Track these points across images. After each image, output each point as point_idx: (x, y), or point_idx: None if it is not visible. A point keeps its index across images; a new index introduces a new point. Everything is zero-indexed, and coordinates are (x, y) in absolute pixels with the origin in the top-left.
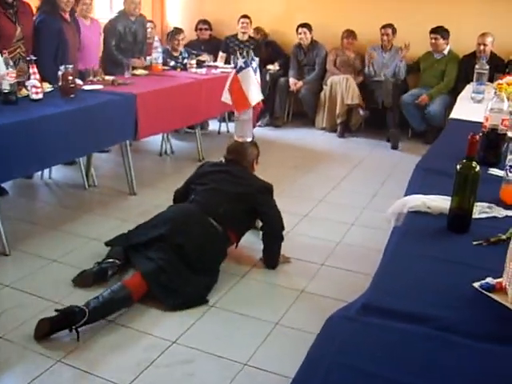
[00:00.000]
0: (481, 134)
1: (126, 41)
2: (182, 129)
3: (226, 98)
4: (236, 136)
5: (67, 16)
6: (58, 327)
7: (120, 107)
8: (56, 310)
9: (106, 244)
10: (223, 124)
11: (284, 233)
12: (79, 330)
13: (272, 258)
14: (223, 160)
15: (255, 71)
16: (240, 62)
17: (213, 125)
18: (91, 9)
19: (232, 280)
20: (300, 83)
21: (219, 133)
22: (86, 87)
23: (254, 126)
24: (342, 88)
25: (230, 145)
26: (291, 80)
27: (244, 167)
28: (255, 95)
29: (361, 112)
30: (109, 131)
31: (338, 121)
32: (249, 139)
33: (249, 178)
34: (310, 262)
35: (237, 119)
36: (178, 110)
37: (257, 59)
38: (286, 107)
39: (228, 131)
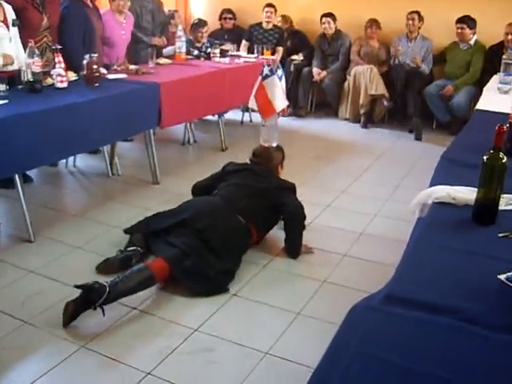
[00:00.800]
0: (508, 125)
1: (144, 19)
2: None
3: (253, 104)
4: (262, 141)
5: (89, 2)
6: (82, 308)
7: (144, 96)
8: (76, 286)
9: (126, 231)
10: (246, 114)
11: (306, 223)
12: (104, 307)
13: (294, 247)
14: (248, 162)
15: (280, 78)
16: (266, 69)
17: (235, 114)
18: (128, 5)
19: (254, 269)
20: (324, 73)
21: (242, 122)
22: (111, 76)
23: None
24: (366, 78)
25: (256, 149)
26: (315, 70)
27: (269, 169)
28: (280, 102)
29: (385, 103)
30: (133, 120)
31: (362, 111)
32: (274, 144)
33: (272, 177)
34: (332, 253)
35: (263, 125)
36: (201, 99)
37: (281, 68)
38: (310, 97)
39: (251, 121)
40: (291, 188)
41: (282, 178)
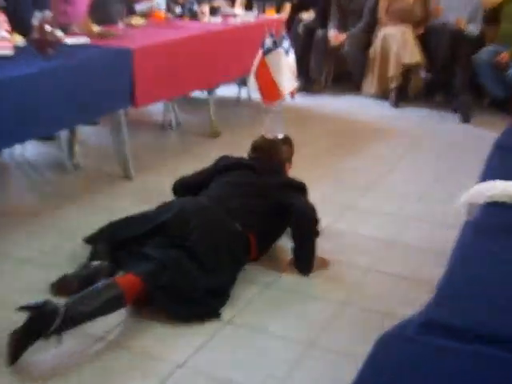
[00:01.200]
0: None
1: None
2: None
3: (252, 85)
4: (264, 131)
5: None
6: (31, 338)
7: (112, 66)
8: (20, 309)
9: (87, 241)
10: (244, 89)
11: (320, 229)
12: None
13: (305, 260)
14: (247, 158)
15: (287, 52)
16: (268, 41)
17: (230, 90)
18: None
19: (254, 289)
20: (343, 36)
21: (238, 100)
22: (69, 41)
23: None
24: (398, 43)
25: (256, 141)
26: (332, 32)
27: (273, 167)
28: (288, 82)
29: (422, 74)
30: (98, 98)
31: (392, 85)
32: (280, 135)
33: (276, 175)
34: (353, 266)
35: (266, 111)
36: (186, 70)
37: (288, 39)
38: (325, 68)
39: (250, 99)
40: (300, 187)
41: (290, 177)
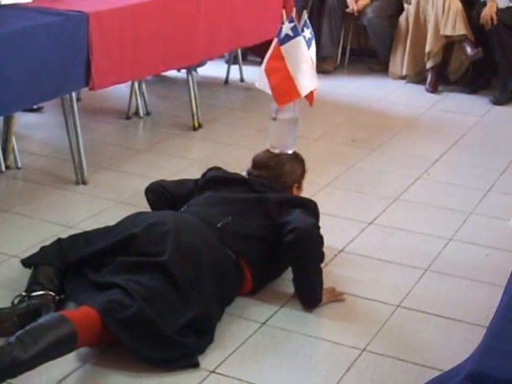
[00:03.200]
0: None
1: None
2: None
3: (262, 82)
4: (269, 144)
5: None
6: None
7: (61, 36)
8: None
9: (25, 263)
10: (234, 67)
11: (334, 252)
12: None
13: (308, 291)
14: (246, 175)
15: (309, 43)
16: (286, 27)
17: (216, 68)
18: None
19: (246, 329)
20: (364, 0)
21: (227, 82)
22: (4, 1)
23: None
24: (437, 9)
25: (259, 155)
26: None
27: (278, 188)
28: (308, 80)
29: (468, 50)
30: (41, 76)
31: (429, 64)
32: (290, 151)
33: (280, 190)
34: (376, 301)
35: (274, 117)
36: (159, 41)
37: (310, 26)
38: (341, 41)
39: (242, 79)
40: (308, 207)
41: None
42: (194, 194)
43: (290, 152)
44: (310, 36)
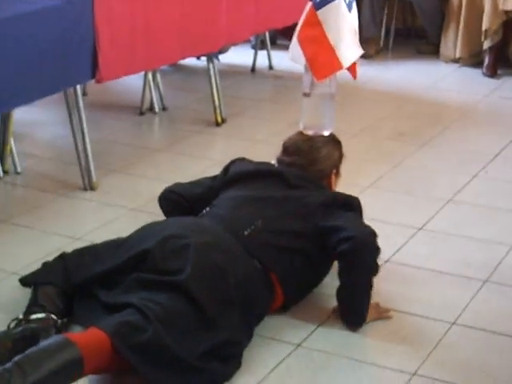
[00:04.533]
0: None
1: None
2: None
3: (295, 54)
4: (302, 125)
5: None
6: None
7: (63, 22)
8: None
9: (24, 282)
10: (262, 53)
11: (380, 262)
12: None
13: (355, 308)
14: (275, 164)
15: (350, 6)
16: None
17: (242, 55)
18: None
19: (279, 352)
20: None
21: (253, 70)
22: None
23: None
24: None
25: (291, 139)
26: None
27: (313, 177)
28: (351, 50)
29: None
30: (41, 69)
31: (487, 45)
32: (326, 132)
33: (318, 189)
34: (427, 318)
35: (307, 93)
36: (175, 27)
37: None
38: (384, 21)
39: (271, 67)
40: (353, 205)
41: (336, 191)
42: (213, 193)
43: (326, 134)
44: None
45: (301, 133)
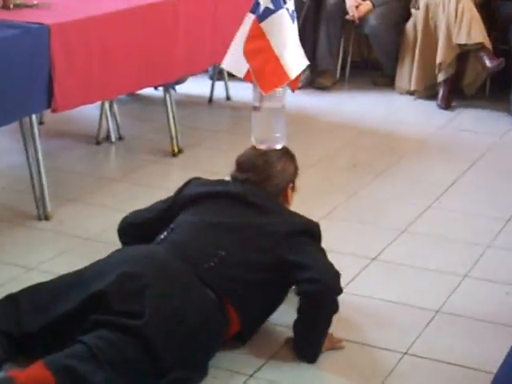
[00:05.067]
0: None
1: None
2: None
3: (233, 63)
4: (254, 139)
5: None
6: None
7: (18, 51)
8: None
9: None
10: (219, 84)
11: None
12: None
13: (312, 341)
14: (229, 180)
15: (293, 17)
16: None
17: (199, 85)
18: None
19: (232, 382)
20: (367, 5)
21: (211, 100)
22: None
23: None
24: (448, 14)
25: (244, 154)
26: None
27: (269, 194)
28: (296, 60)
29: (486, 61)
30: None
31: (441, 77)
32: (279, 146)
33: (277, 209)
34: (380, 349)
35: (257, 107)
36: (132, 56)
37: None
38: (341, 52)
39: (228, 98)
40: (313, 232)
41: (295, 212)
42: (168, 215)
43: (278, 147)
44: (293, 8)
45: (254, 148)
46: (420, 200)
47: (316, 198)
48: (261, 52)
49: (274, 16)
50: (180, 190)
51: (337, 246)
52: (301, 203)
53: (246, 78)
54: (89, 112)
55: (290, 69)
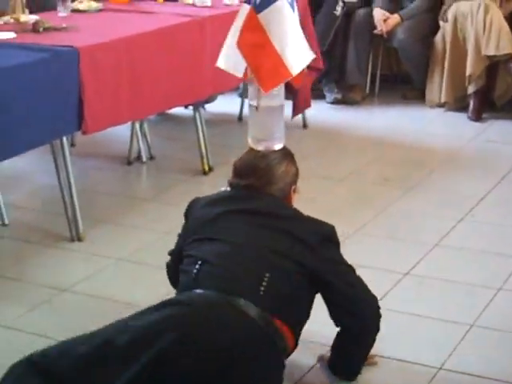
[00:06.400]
0: None
1: None
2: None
3: (229, 61)
4: (251, 140)
5: None
6: None
7: (48, 75)
8: None
9: None
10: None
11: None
12: None
13: (352, 364)
14: (228, 189)
15: (292, 5)
16: None
17: (228, 103)
18: None
19: None
20: (395, 18)
21: (241, 118)
22: None
23: (304, 106)
24: (477, 25)
25: (241, 159)
26: (378, 12)
27: (274, 197)
28: (299, 54)
29: None
30: (27, 122)
31: (471, 89)
32: (277, 146)
33: (295, 214)
34: (414, 364)
35: (255, 106)
36: (162, 76)
37: None
38: (370, 66)
39: None
40: (330, 235)
41: (309, 216)
42: (186, 247)
43: (277, 148)
44: None
45: (252, 150)
46: (452, 213)
47: (346, 212)
48: (259, 47)
49: (273, 6)
50: (186, 213)
51: (368, 262)
52: (331, 218)
53: (245, 77)
54: (119, 133)
55: (292, 64)
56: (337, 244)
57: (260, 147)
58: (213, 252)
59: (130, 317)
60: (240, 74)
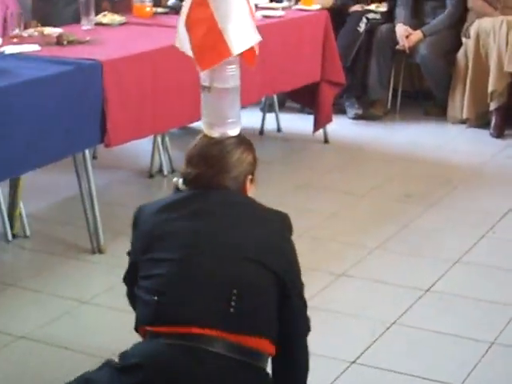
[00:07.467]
0: None
1: None
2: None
3: (183, 41)
4: (205, 124)
5: None
6: None
7: (72, 87)
8: None
9: None
10: (270, 116)
11: (387, 325)
12: None
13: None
14: (179, 183)
15: None
16: None
17: (250, 117)
18: None
19: None
20: (417, 34)
21: (262, 132)
22: (8, 49)
23: (325, 121)
24: (499, 42)
25: (194, 147)
26: (400, 28)
27: (232, 190)
28: (243, 33)
29: None
30: (50, 133)
31: (493, 106)
32: (232, 131)
33: (258, 207)
34: (434, 381)
35: (206, 89)
36: (184, 90)
37: None
38: (392, 82)
39: (279, 129)
40: (285, 223)
41: (266, 206)
42: (140, 268)
43: (233, 133)
44: None
45: (205, 136)
46: (473, 230)
47: (368, 228)
48: (203, 22)
49: None
50: (135, 222)
51: (390, 278)
52: (352, 233)
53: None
54: (141, 146)
55: (234, 44)
56: (290, 231)
57: (214, 133)
58: (168, 277)
59: None
60: (190, 53)
